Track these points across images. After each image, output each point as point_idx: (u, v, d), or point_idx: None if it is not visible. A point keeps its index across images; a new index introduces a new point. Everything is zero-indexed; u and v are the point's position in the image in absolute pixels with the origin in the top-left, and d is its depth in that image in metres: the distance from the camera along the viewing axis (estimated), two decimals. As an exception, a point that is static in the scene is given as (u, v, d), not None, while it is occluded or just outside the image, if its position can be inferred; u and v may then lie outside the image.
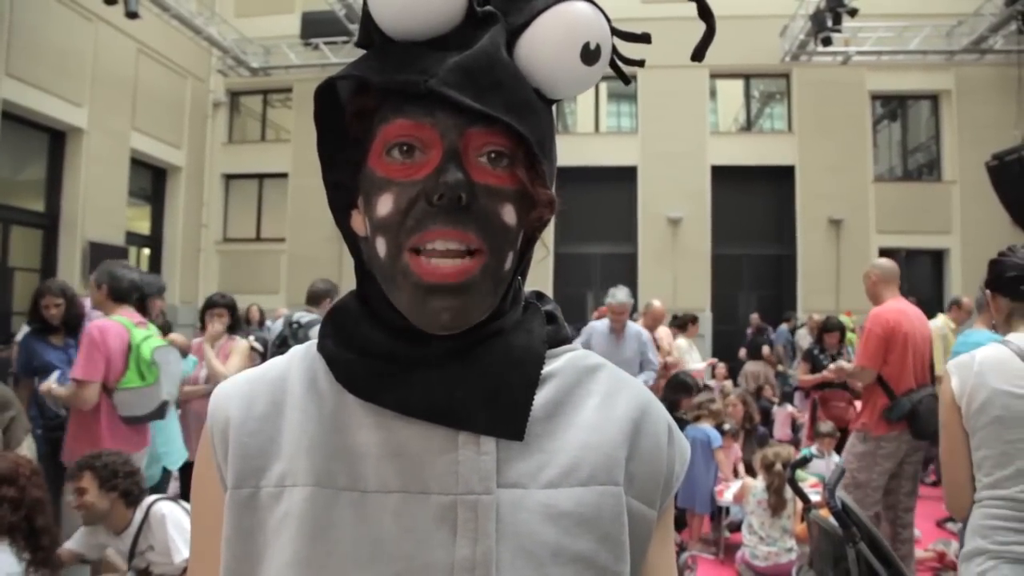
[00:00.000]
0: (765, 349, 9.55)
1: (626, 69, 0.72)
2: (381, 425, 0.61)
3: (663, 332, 5.89)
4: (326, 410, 0.63)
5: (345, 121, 0.66)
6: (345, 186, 0.67)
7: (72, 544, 2.73)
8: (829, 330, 6.08)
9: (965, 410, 1.90)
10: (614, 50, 0.67)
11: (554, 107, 0.68)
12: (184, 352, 3.78)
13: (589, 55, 0.62)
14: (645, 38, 0.67)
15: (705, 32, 0.66)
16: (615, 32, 0.66)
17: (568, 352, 0.71)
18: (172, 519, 2.57)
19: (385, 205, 0.60)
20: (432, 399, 0.60)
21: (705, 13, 0.65)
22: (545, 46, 0.61)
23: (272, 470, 0.62)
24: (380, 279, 0.63)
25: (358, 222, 0.66)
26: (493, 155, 0.60)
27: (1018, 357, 1.88)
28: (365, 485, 0.60)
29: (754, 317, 10.84)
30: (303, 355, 0.69)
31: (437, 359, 0.61)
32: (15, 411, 3.12)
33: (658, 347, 5.66)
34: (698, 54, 0.68)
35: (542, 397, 0.65)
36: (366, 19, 0.62)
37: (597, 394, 0.67)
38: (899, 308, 3.80)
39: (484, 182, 0.59)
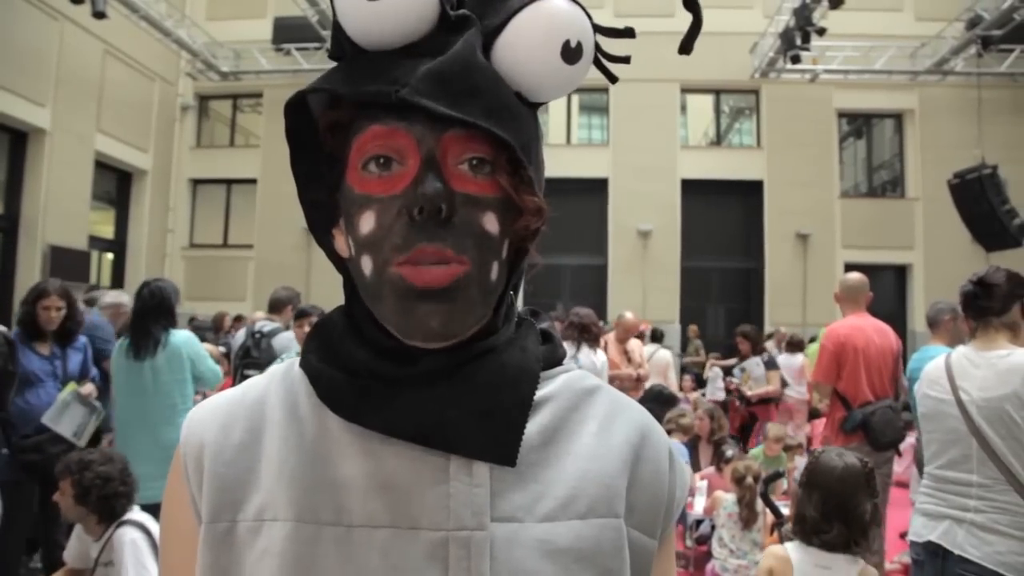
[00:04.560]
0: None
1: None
2: (367, 453, 0.58)
3: (635, 344, 5.87)
4: (308, 437, 0.60)
5: (319, 136, 0.63)
6: (323, 204, 0.64)
7: (69, 555, 2.64)
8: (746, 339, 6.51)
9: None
10: (598, 48, 0.64)
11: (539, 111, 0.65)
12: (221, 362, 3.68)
13: (570, 53, 0.59)
14: (629, 33, 0.64)
15: (692, 23, 0.63)
16: (597, 29, 0.63)
17: (563, 373, 0.67)
18: (133, 550, 2.44)
19: (367, 223, 0.57)
20: (420, 420, 0.57)
21: (691, 4, 0.63)
22: (523, 46, 0.58)
23: (250, 502, 0.58)
24: (365, 297, 0.59)
25: (341, 243, 0.63)
26: (475, 162, 0.57)
27: (945, 367, 2.38)
28: (350, 519, 0.56)
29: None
30: (283, 375, 0.65)
31: (426, 377, 0.58)
32: None
33: (630, 360, 5.66)
34: (685, 47, 0.65)
35: (537, 423, 0.61)
36: (337, 30, 0.60)
37: (594, 419, 0.64)
38: (853, 324, 3.87)
39: (464, 191, 0.56)
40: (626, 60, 0.67)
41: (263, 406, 0.63)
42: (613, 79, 0.68)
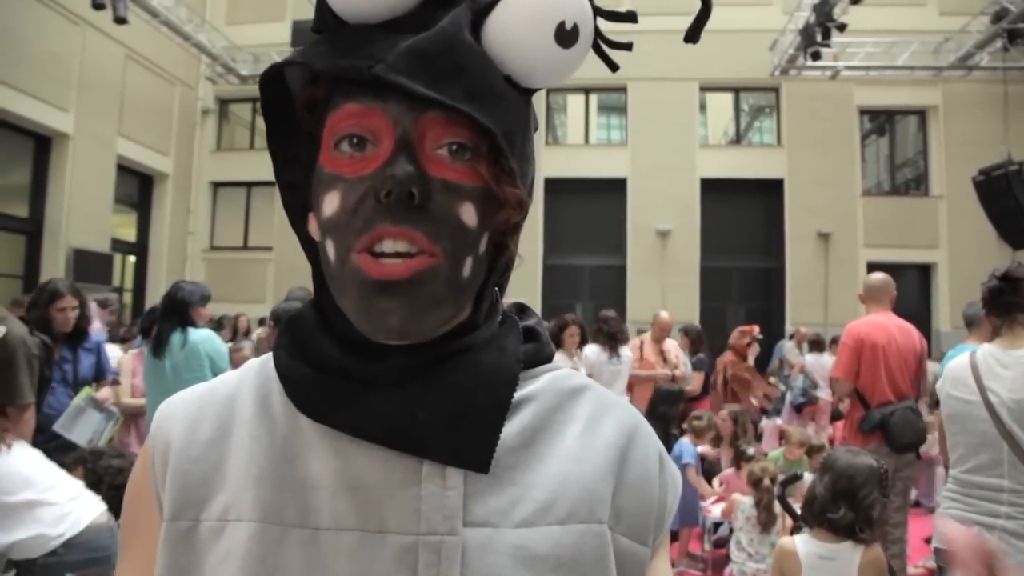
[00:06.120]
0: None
1: (611, 74, 0.66)
2: (338, 453, 0.55)
3: (671, 344, 5.82)
4: (278, 435, 0.57)
5: (297, 114, 0.60)
6: (299, 186, 0.61)
7: None
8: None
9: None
10: (599, 33, 0.60)
11: (534, 97, 0.62)
12: None
13: (565, 36, 0.55)
14: (631, 17, 0.61)
15: (700, 11, 0.59)
16: (597, 12, 0.59)
17: (548, 372, 0.64)
18: None
19: (332, 204, 0.54)
20: (390, 422, 0.54)
21: None
22: (514, 26, 0.55)
23: (214, 502, 0.56)
24: (330, 284, 0.57)
25: (313, 226, 0.60)
26: (454, 147, 0.54)
27: (970, 366, 2.30)
28: (317, 522, 0.53)
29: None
30: (257, 371, 0.63)
31: (396, 376, 0.55)
32: None
33: (665, 359, 5.62)
34: (692, 35, 0.61)
35: (517, 423, 0.58)
36: (320, 1, 0.57)
37: (579, 420, 0.61)
38: (874, 321, 3.79)
39: (441, 176, 0.53)
40: (628, 47, 0.63)
41: (234, 402, 0.60)
42: (614, 68, 0.64)
